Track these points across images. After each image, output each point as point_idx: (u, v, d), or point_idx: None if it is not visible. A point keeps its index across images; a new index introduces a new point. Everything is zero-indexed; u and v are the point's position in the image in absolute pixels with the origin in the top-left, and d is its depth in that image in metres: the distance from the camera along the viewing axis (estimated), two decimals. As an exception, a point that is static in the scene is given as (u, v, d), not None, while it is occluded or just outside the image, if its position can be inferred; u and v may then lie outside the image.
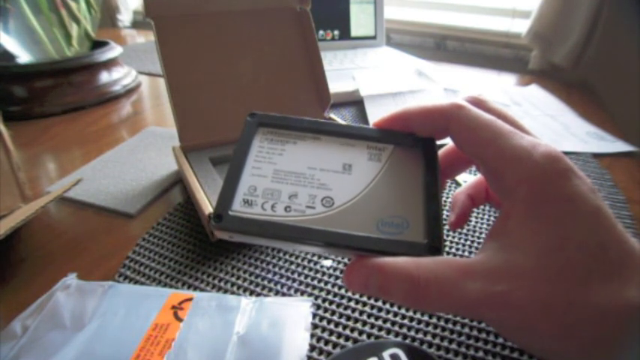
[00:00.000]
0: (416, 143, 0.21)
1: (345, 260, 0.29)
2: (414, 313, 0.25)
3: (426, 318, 0.25)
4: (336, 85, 0.58)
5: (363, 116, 0.54)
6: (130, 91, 0.64)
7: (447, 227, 0.30)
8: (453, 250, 0.31)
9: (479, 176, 0.26)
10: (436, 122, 0.20)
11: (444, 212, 0.36)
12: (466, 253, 0.31)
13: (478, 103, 0.21)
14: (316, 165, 0.20)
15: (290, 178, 0.20)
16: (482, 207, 0.36)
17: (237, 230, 0.18)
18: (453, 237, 0.32)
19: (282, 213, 0.18)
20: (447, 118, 0.20)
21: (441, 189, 0.20)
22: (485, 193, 0.26)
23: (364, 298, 0.26)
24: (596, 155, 0.46)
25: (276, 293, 0.27)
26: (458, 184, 0.40)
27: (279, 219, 0.18)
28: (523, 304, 0.15)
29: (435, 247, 0.18)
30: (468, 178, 0.40)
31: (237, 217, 0.18)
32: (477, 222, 0.34)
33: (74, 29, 0.60)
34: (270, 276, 0.28)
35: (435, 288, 0.16)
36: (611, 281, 0.15)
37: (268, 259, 0.30)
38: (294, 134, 0.22)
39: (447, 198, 0.38)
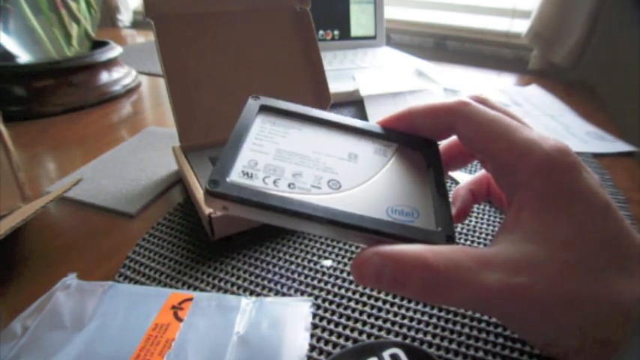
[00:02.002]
0: (419, 144, 0.21)
1: (345, 260, 0.29)
2: (414, 313, 0.25)
3: (426, 318, 0.25)
4: (336, 85, 0.58)
5: (363, 116, 0.54)
6: (130, 91, 0.64)
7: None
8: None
9: (481, 172, 0.26)
10: (442, 120, 0.20)
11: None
12: (466, 253, 0.31)
13: (482, 101, 0.21)
14: (321, 150, 0.19)
15: (294, 159, 0.18)
16: (482, 207, 0.36)
17: (235, 198, 0.16)
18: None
19: (286, 189, 0.17)
20: (454, 115, 0.20)
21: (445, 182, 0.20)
22: (486, 189, 0.26)
23: (364, 298, 0.26)
24: (596, 155, 0.46)
25: (276, 293, 0.27)
26: (456, 183, 0.40)
27: (282, 193, 0.17)
28: (544, 297, 0.15)
29: (449, 235, 0.17)
30: (465, 177, 0.40)
31: (235, 184, 0.17)
32: (477, 222, 0.34)
33: (74, 29, 0.60)
34: (270, 276, 0.28)
35: (455, 278, 0.15)
36: (625, 274, 0.15)
37: (268, 259, 0.30)
38: (299, 121, 0.21)
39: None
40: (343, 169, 0.19)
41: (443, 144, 0.23)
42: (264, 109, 0.21)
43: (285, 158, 0.18)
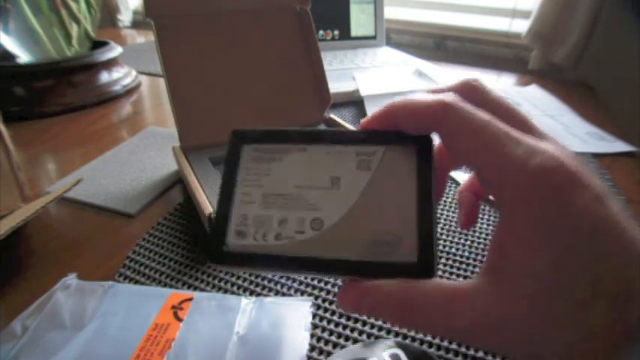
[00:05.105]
0: (409, 141, 0.19)
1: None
2: (414, 313, 0.25)
3: (426, 318, 0.25)
4: (336, 85, 0.58)
5: (363, 116, 0.53)
6: (130, 91, 0.64)
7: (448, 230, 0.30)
8: (453, 250, 0.31)
9: None
10: (424, 123, 0.18)
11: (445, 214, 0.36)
12: (466, 253, 0.31)
13: (473, 91, 0.19)
14: (303, 182, 0.20)
15: (278, 201, 0.20)
16: (481, 208, 0.36)
17: (232, 266, 0.19)
18: (453, 237, 0.32)
19: (273, 242, 0.19)
20: (435, 119, 0.17)
21: (435, 194, 0.19)
22: None
23: (364, 298, 0.26)
24: (596, 155, 0.46)
25: (276, 293, 0.27)
26: (457, 184, 0.40)
27: (270, 249, 0.19)
28: (521, 328, 0.15)
29: (426, 267, 0.17)
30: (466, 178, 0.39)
31: (230, 252, 0.19)
32: (478, 222, 0.34)
33: (74, 29, 0.60)
34: (270, 276, 0.28)
35: (425, 312, 0.16)
36: (616, 301, 0.14)
37: (268, 259, 0.30)
38: (280, 148, 0.21)
39: (449, 194, 0.38)
40: (325, 201, 0.19)
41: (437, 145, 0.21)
42: (246, 143, 0.21)
43: (271, 203, 0.20)
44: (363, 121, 0.21)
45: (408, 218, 0.18)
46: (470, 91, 0.19)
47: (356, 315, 0.25)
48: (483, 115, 0.17)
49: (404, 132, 0.19)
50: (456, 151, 0.18)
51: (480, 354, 0.23)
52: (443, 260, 0.30)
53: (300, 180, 0.20)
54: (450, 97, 0.17)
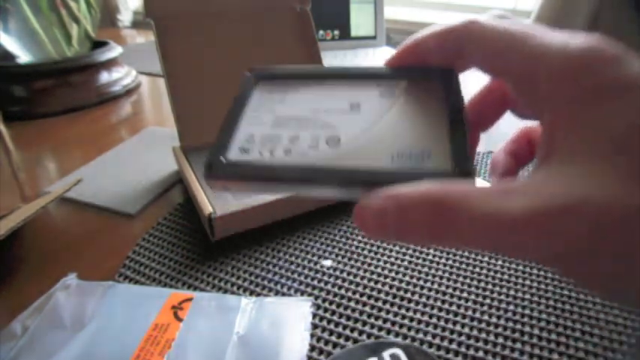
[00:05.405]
0: (434, 75, 0.19)
1: (345, 260, 0.29)
2: (414, 313, 0.25)
3: (426, 318, 0.25)
4: (336, 85, 0.58)
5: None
6: (130, 91, 0.64)
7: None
8: (452, 252, 0.31)
9: (520, 127, 0.22)
10: (450, 45, 0.18)
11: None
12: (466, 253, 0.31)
13: (500, 17, 0.18)
14: (320, 107, 0.18)
15: (291, 123, 0.18)
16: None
17: (231, 177, 0.16)
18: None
19: (282, 156, 0.16)
20: (460, 37, 0.17)
21: (467, 117, 0.17)
22: (528, 145, 0.21)
23: (364, 298, 0.26)
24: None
25: (276, 293, 0.27)
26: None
27: (277, 163, 0.16)
28: (586, 214, 0.12)
29: (464, 171, 0.15)
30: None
31: (231, 163, 0.17)
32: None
33: (74, 29, 0.60)
34: (270, 276, 0.28)
35: (467, 209, 0.13)
36: None
37: (268, 259, 0.30)
38: (297, 81, 0.20)
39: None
40: (343, 122, 0.17)
41: (470, 99, 0.20)
42: (260, 79, 0.20)
43: (282, 124, 0.18)
44: (387, 59, 0.20)
45: (438, 133, 0.16)
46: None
47: (356, 315, 0.25)
48: (510, 22, 0.16)
49: (428, 67, 0.19)
50: (486, 62, 0.17)
51: (480, 354, 0.23)
52: (441, 264, 0.30)
53: (316, 105, 0.18)
54: (472, 18, 0.17)
